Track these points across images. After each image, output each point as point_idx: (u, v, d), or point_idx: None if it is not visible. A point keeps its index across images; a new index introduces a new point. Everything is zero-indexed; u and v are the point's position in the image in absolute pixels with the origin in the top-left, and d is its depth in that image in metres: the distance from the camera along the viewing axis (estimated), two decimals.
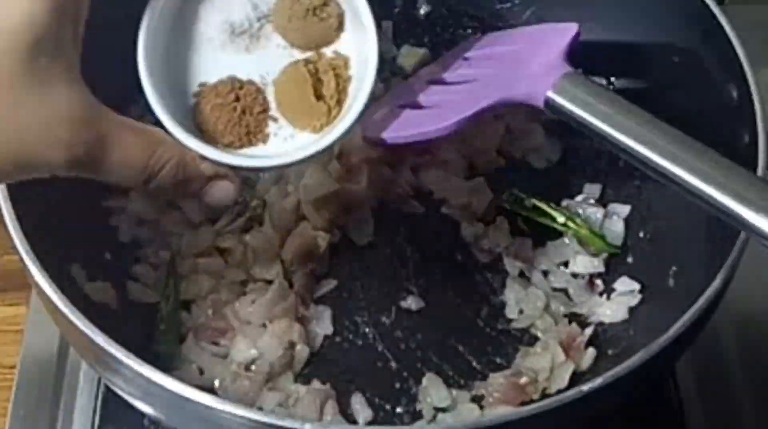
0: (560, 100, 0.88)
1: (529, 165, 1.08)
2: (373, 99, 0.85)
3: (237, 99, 0.82)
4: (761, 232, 0.75)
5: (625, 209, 1.04)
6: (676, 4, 0.99)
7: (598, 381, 0.76)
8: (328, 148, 0.81)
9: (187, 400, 0.75)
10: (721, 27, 0.94)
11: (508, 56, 0.99)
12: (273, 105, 0.84)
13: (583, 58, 1.09)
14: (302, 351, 0.96)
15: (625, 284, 1.00)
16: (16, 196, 0.84)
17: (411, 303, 0.99)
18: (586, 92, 0.87)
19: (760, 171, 0.85)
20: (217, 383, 0.94)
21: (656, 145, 0.82)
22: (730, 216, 0.77)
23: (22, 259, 0.83)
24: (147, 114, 0.81)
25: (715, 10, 0.95)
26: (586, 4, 1.08)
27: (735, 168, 0.79)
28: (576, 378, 0.94)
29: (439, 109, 0.98)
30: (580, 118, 0.86)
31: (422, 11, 1.17)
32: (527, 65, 0.93)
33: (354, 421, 0.93)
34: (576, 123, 0.87)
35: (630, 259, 1.02)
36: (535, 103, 0.90)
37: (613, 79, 1.10)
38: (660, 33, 1.03)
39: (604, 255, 1.01)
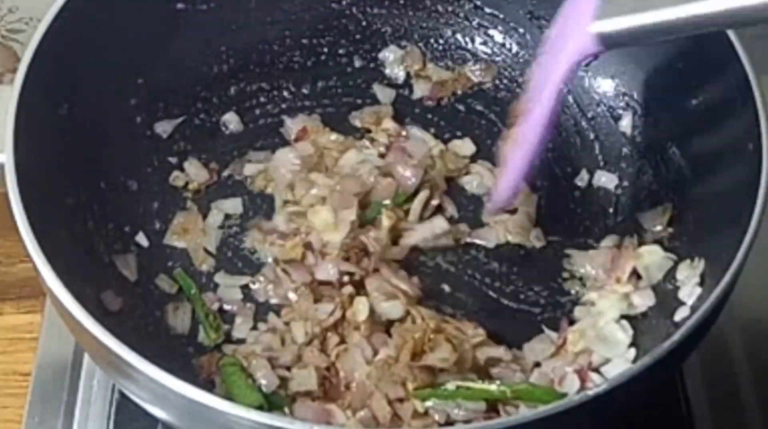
0: (608, 23, 0.85)
1: None
2: None
3: None
4: None
5: None
6: None
7: (604, 385, 0.77)
8: None
9: (200, 404, 0.76)
10: (727, 36, 0.95)
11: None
12: None
13: (590, 67, 1.11)
14: None
15: None
16: (29, 204, 0.85)
17: None
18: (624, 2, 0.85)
19: (763, 178, 0.86)
20: None
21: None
22: None
23: (36, 267, 0.84)
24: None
25: None
26: None
27: None
28: None
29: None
30: (635, 30, 0.84)
31: None
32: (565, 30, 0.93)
33: None
34: (636, 35, 0.85)
35: None
36: (587, 49, 0.88)
37: (617, 81, 1.11)
38: (666, 42, 1.03)
39: None
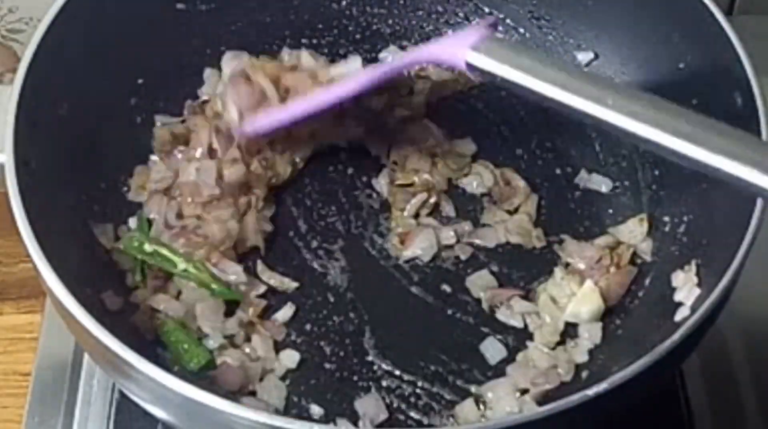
0: (480, 59, 0.89)
1: None
2: None
3: None
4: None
5: None
6: (684, 14, 1.00)
7: (603, 385, 0.77)
8: None
9: (200, 404, 0.76)
10: (728, 37, 0.95)
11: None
12: None
13: (590, 67, 1.11)
14: None
15: None
16: (30, 204, 0.86)
17: None
18: (505, 49, 0.89)
19: None
20: None
21: (579, 90, 0.83)
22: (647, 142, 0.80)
23: (35, 267, 0.84)
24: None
25: (722, 20, 0.96)
26: (596, 12, 1.10)
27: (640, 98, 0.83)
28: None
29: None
30: (502, 75, 0.87)
31: None
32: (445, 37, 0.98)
33: None
34: (497, 80, 0.88)
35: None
36: (456, 64, 0.91)
37: (617, 81, 1.10)
38: (667, 42, 1.03)
39: None
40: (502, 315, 0.99)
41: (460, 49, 0.90)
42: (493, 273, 1.02)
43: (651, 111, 0.81)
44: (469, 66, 0.90)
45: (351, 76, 1.02)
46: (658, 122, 0.79)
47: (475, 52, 0.89)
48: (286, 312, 0.99)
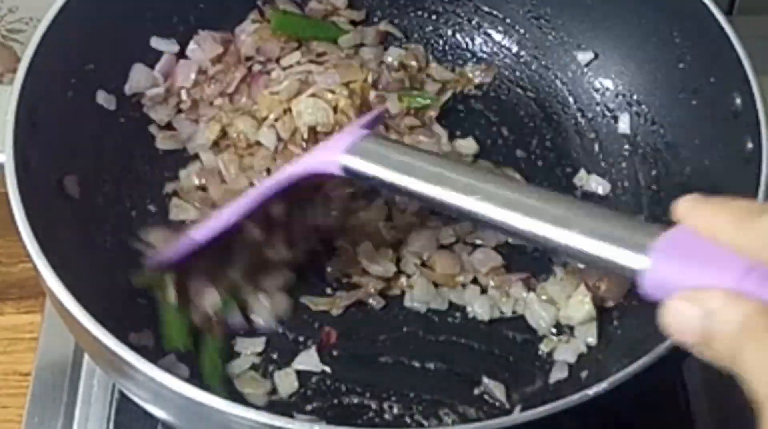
0: (354, 161, 0.87)
1: None
2: None
3: None
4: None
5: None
6: (684, 14, 1.00)
7: (603, 385, 0.77)
8: None
9: (200, 404, 0.76)
10: (728, 37, 0.95)
11: None
12: None
13: (590, 67, 1.11)
14: None
15: None
16: (29, 204, 0.86)
17: None
18: (377, 147, 0.87)
19: (763, 177, 0.86)
20: None
21: (453, 184, 0.81)
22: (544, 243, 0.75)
23: (35, 267, 0.84)
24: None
25: (722, 20, 0.96)
26: (596, 12, 1.10)
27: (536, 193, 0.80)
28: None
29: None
30: (375, 175, 0.86)
31: None
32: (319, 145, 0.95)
33: None
34: (374, 182, 0.87)
35: None
36: (331, 170, 0.89)
37: (617, 81, 1.11)
38: (667, 42, 1.04)
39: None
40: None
41: (333, 154, 0.88)
42: None
43: (530, 200, 0.78)
44: (345, 170, 0.88)
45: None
46: (534, 211, 0.76)
47: (349, 155, 0.87)
48: None
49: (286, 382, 0.95)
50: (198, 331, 0.96)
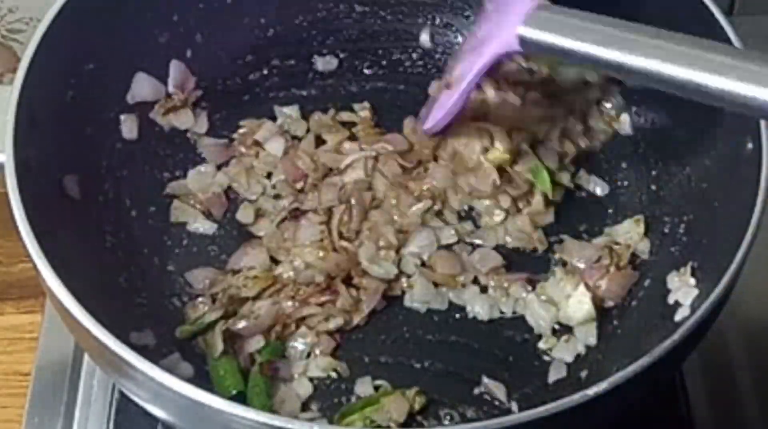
0: (532, 33, 0.88)
1: None
2: None
3: None
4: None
5: None
6: (684, 14, 1.00)
7: (603, 385, 0.77)
8: None
9: (200, 404, 0.76)
10: (728, 37, 0.95)
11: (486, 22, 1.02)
12: None
13: None
14: None
15: None
16: (29, 204, 0.86)
17: None
18: (556, 18, 0.88)
19: (763, 176, 0.86)
20: None
21: (638, 49, 0.83)
22: (725, 98, 0.78)
23: (35, 267, 0.84)
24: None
25: (722, 20, 0.96)
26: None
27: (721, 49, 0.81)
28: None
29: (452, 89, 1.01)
30: (557, 46, 0.87)
31: None
32: (497, 21, 0.95)
33: None
34: (556, 52, 0.88)
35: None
36: (511, 48, 0.90)
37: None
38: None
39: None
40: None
41: (510, 31, 0.89)
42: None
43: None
44: (523, 41, 0.89)
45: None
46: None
47: (527, 27, 0.88)
48: None
49: (300, 388, 0.96)
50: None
